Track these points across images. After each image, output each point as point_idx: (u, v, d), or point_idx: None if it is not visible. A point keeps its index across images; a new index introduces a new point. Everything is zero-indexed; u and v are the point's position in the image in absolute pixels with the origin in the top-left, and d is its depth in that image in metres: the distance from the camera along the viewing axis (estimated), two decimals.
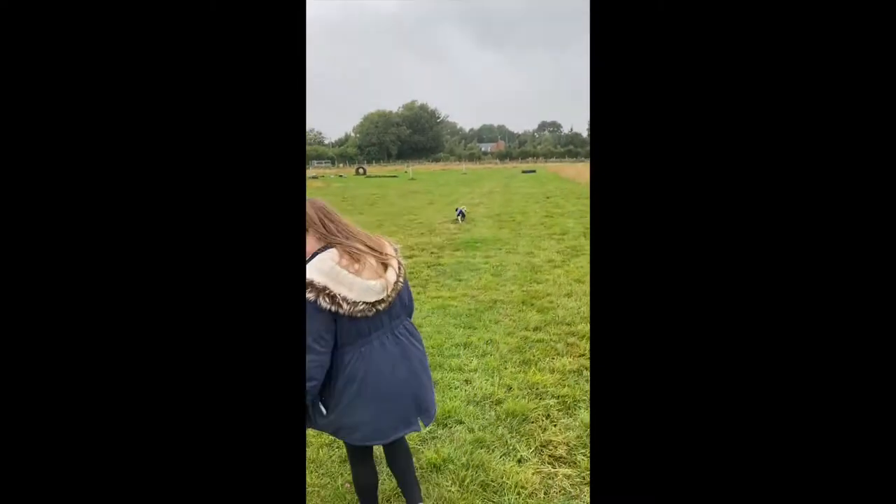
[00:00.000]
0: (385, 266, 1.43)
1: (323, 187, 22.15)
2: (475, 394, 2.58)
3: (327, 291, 1.28)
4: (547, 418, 2.34)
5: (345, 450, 1.97)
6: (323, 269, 1.30)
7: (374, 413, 1.41)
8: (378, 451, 1.86)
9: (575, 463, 2.01)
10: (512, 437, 2.20)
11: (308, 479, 1.97)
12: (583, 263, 5.29)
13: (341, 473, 2.00)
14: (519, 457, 2.05)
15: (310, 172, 38.05)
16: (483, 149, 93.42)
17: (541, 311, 3.83)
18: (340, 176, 34.27)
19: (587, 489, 1.84)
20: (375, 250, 1.43)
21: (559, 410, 2.40)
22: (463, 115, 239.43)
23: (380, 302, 1.37)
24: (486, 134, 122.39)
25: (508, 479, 1.91)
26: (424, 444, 2.16)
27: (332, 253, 1.34)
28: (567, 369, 2.82)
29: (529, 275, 4.96)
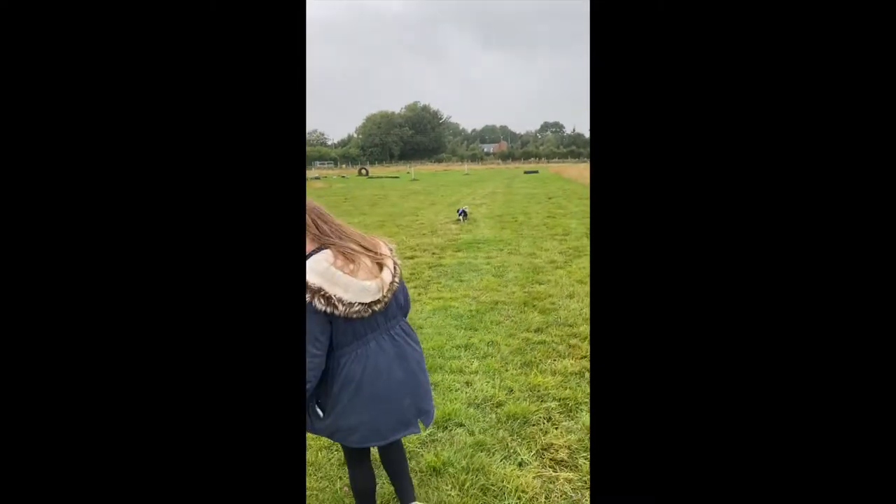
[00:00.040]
0: (380, 266, 1.41)
1: (325, 188, 22.19)
2: (476, 396, 2.55)
3: (322, 293, 1.27)
4: (548, 421, 2.32)
5: (343, 453, 1.95)
6: (318, 270, 1.28)
7: (371, 415, 1.40)
8: (374, 452, 1.84)
9: (576, 467, 1.98)
10: (513, 439, 2.17)
11: (307, 483, 1.95)
12: (585, 264, 5.25)
13: (340, 476, 1.98)
14: (520, 460, 2.03)
15: (312, 173, 38.17)
16: (485, 149, 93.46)
17: (542, 313, 3.80)
18: (343, 177, 34.32)
19: (588, 493, 1.82)
20: (370, 250, 1.41)
21: (561, 413, 2.38)
22: (465, 115, 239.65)
23: (376, 302, 1.36)
24: (489, 134, 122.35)
25: (509, 483, 1.89)
26: (424, 447, 2.13)
27: (327, 254, 1.32)
28: (569, 371, 2.80)
29: (531, 276, 4.93)
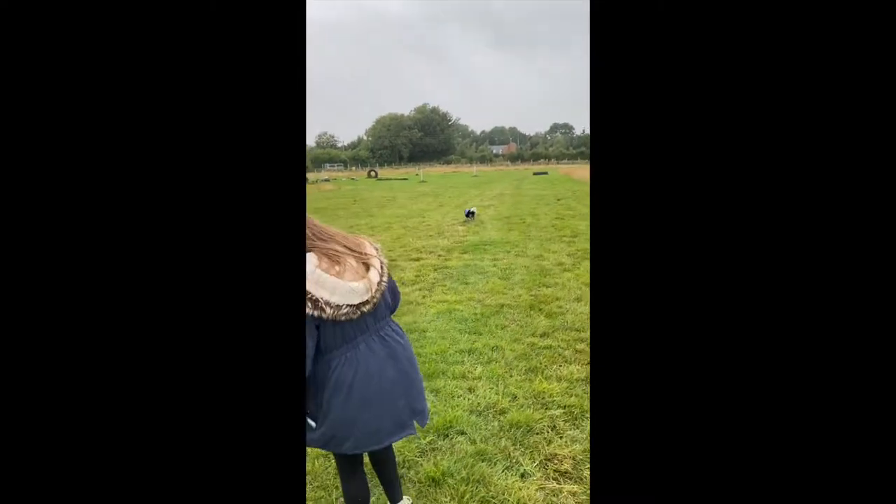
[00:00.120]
0: (367, 266, 1.38)
1: (335, 190, 22.28)
2: (478, 403, 2.49)
3: (309, 296, 1.24)
4: (552, 430, 2.24)
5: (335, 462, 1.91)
6: None
7: (365, 418, 1.36)
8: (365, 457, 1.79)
9: (581, 479, 1.91)
10: (515, 449, 2.10)
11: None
12: None
13: (336, 486, 1.92)
14: (522, 471, 1.96)
15: (322, 175, 38.42)
16: (494, 151, 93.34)
17: (549, 317, 3.73)
18: (352, 179, 34.48)
19: None
20: (354, 251, 1.38)
21: (565, 421, 2.30)
22: (474, 117, 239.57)
23: (364, 304, 1.32)
24: (498, 136, 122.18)
25: (510, 495, 1.82)
26: (424, 456, 2.07)
27: (310, 257, 1.29)
28: (575, 377, 2.72)
29: (538, 278, 4.85)
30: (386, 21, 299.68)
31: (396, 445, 2.07)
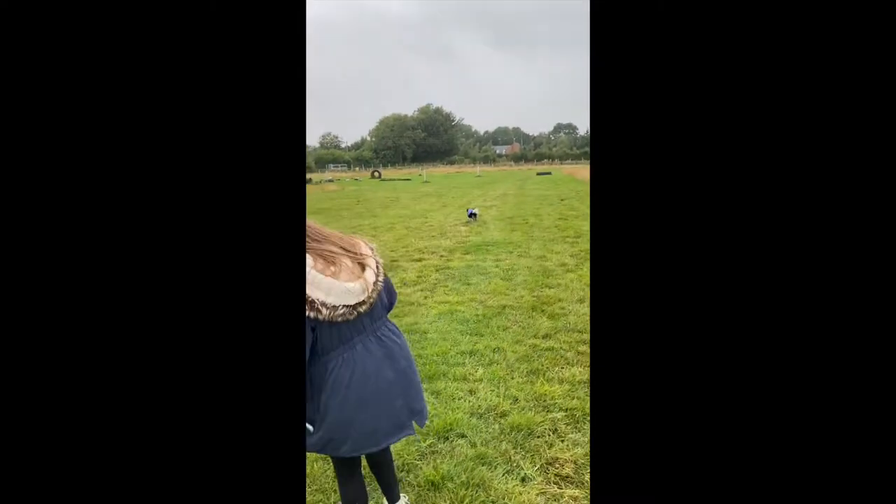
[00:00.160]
0: (362, 266, 1.36)
1: (338, 190, 22.30)
2: (479, 405, 2.46)
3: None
4: (554, 433, 2.21)
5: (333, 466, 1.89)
6: None
7: (363, 420, 1.34)
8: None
9: (582, 483, 1.88)
10: (516, 452, 2.08)
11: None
12: None
13: (334, 489, 1.90)
14: (523, 475, 1.93)
15: (326, 176, 38.49)
16: (497, 151, 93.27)
17: (551, 318, 3.70)
18: (356, 179, 34.51)
19: None
20: (350, 251, 1.36)
21: (567, 424, 2.28)
22: (477, 117, 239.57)
23: (360, 304, 1.31)
24: (501, 136, 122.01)
25: (510, 500, 1.79)
26: (423, 460, 2.05)
27: (306, 258, 1.27)
28: (577, 380, 2.69)
29: (541, 279, 4.82)
30: (386, 21, 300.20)
31: (395, 448, 2.05)
